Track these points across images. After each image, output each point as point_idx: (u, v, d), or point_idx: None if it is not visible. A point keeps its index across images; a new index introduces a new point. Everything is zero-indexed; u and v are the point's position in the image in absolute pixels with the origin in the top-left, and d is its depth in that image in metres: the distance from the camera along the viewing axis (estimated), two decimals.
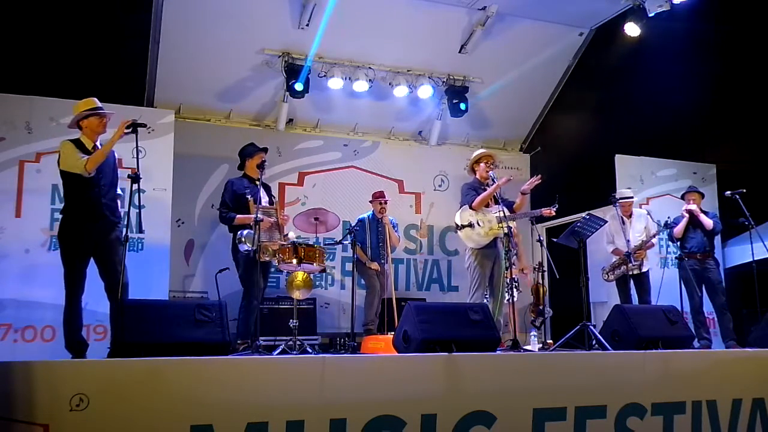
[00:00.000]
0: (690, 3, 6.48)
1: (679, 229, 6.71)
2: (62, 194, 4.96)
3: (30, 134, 6.06)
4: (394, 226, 6.96)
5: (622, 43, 7.33)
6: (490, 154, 6.11)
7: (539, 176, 5.84)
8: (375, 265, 6.75)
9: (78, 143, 4.72)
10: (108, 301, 4.75)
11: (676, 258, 6.40)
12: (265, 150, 5.78)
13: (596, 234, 5.80)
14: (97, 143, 4.79)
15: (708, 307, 6.71)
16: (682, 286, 6.39)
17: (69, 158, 4.63)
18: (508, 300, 5.59)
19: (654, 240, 6.66)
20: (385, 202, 6.90)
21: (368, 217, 6.95)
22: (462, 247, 8.03)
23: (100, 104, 4.77)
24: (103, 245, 4.71)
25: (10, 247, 5.83)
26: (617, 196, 6.70)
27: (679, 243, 6.77)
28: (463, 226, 5.76)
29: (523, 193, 5.86)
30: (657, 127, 7.98)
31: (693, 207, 6.64)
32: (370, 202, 7.01)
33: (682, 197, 6.94)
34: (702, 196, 6.80)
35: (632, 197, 6.87)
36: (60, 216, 4.81)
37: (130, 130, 4.57)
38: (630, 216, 6.77)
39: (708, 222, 6.59)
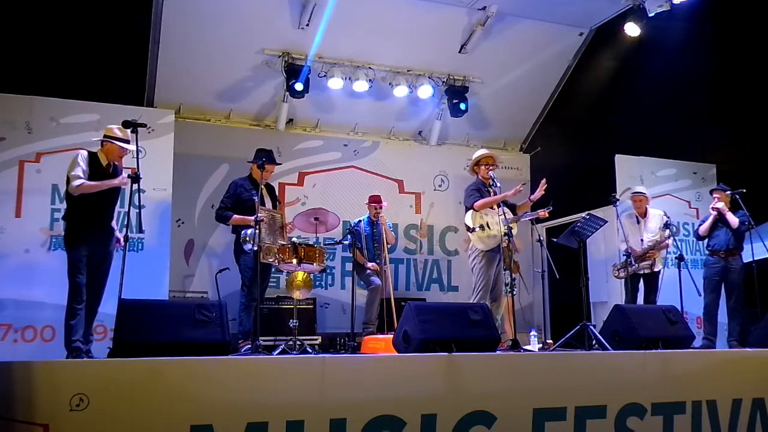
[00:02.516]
0: (690, 3, 6.48)
1: (704, 228, 6.71)
2: (63, 195, 5.01)
3: (30, 134, 6.05)
4: (390, 228, 7.00)
5: (622, 43, 7.34)
6: (491, 155, 6.12)
7: (544, 182, 5.88)
8: (373, 265, 6.75)
9: (94, 158, 4.88)
10: (107, 302, 4.80)
11: (676, 258, 6.40)
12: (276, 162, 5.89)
13: (597, 234, 5.81)
14: (112, 162, 4.96)
15: (721, 307, 6.70)
16: (683, 285, 6.38)
17: (70, 170, 4.77)
18: (507, 292, 5.63)
19: (669, 241, 6.61)
20: (380, 207, 6.85)
21: (364, 220, 6.95)
22: (462, 247, 8.07)
23: (129, 137, 4.88)
24: (99, 255, 4.82)
25: (10, 247, 5.82)
26: (632, 191, 6.71)
27: (706, 241, 6.77)
28: (475, 229, 5.77)
29: (532, 200, 5.91)
30: (657, 127, 8.00)
31: (720, 205, 6.60)
32: (366, 204, 7.00)
33: (711, 193, 6.90)
34: (727, 193, 6.70)
35: (644, 192, 6.86)
36: (63, 222, 4.90)
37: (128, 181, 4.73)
38: (645, 215, 6.76)
39: (734, 220, 6.52)
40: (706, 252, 6.81)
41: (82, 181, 4.72)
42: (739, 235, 6.58)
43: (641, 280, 6.60)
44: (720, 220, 6.62)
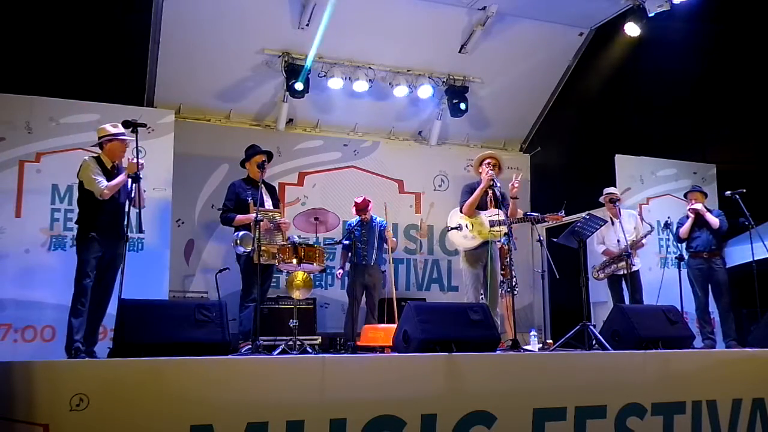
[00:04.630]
0: (690, 3, 6.48)
1: (684, 230, 6.72)
2: (76, 201, 5.02)
3: (30, 134, 6.05)
4: (382, 228, 6.74)
5: (622, 43, 7.34)
6: (493, 155, 6.07)
7: (518, 177, 5.81)
8: (339, 272, 6.86)
9: (99, 161, 4.92)
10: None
11: (676, 258, 6.39)
12: (268, 154, 5.78)
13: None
14: (116, 163, 4.97)
15: (713, 306, 6.71)
16: (683, 285, 6.39)
17: (88, 178, 4.80)
18: (503, 291, 5.61)
19: (644, 240, 6.63)
20: (364, 213, 6.69)
21: (355, 222, 6.81)
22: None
23: (123, 129, 4.89)
24: (109, 258, 4.82)
25: (10, 247, 5.82)
26: (604, 191, 6.74)
27: (685, 243, 6.77)
28: (452, 228, 5.77)
29: (513, 197, 5.82)
30: (657, 127, 7.99)
31: (698, 206, 6.63)
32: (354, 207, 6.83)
33: (685, 196, 6.94)
34: (705, 195, 6.79)
35: (616, 193, 6.85)
36: (76, 225, 4.90)
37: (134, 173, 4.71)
38: (618, 215, 6.76)
39: (714, 221, 6.56)
40: (680, 253, 6.79)
41: (105, 184, 4.77)
42: (720, 235, 6.62)
43: (623, 281, 6.60)
44: (698, 222, 6.64)
